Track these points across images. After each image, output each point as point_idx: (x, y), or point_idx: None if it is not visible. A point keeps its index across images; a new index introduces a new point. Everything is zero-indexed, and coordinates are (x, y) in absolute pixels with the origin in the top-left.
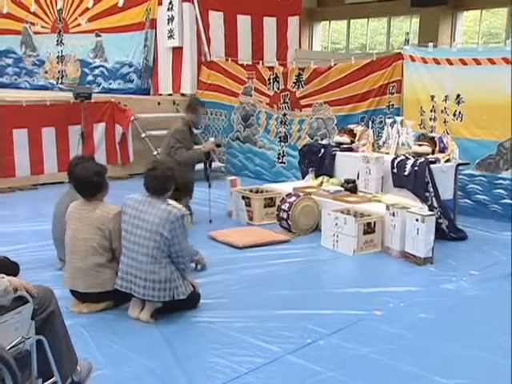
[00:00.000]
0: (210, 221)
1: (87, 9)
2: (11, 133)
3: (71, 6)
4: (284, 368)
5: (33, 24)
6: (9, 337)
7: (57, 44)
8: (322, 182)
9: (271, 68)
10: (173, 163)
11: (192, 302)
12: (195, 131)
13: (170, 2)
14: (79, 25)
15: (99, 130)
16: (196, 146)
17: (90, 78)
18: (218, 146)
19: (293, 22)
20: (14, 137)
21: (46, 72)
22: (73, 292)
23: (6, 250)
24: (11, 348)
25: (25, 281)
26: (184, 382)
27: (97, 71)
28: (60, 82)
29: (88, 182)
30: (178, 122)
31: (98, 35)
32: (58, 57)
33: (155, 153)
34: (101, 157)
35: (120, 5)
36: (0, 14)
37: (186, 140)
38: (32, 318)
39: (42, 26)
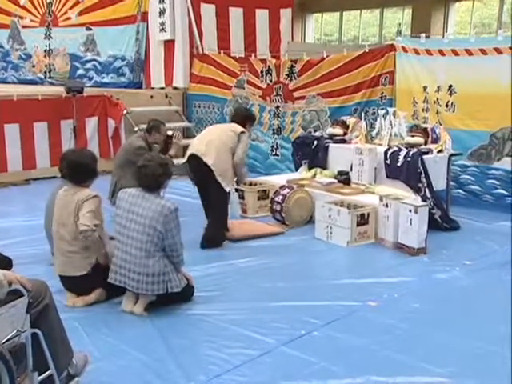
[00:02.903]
0: None
1: (77, 2)
2: (3, 127)
3: None
4: (278, 359)
5: (21, 18)
6: (4, 330)
7: (44, 38)
8: (315, 174)
9: (264, 60)
10: (167, 159)
11: (186, 294)
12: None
13: None
14: (69, 18)
15: (91, 124)
16: None
17: (80, 71)
18: (170, 137)
19: (285, 14)
20: (5, 132)
21: (34, 66)
22: (64, 282)
23: None
24: (6, 341)
25: (19, 274)
26: (178, 375)
27: (89, 65)
28: (48, 76)
29: (84, 166)
30: (138, 139)
31: (88, 29)
32: (45, 50)
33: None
34: (93, 151)
35: None
36: None
37: None
38: (27, 312)
39: (31, 20)
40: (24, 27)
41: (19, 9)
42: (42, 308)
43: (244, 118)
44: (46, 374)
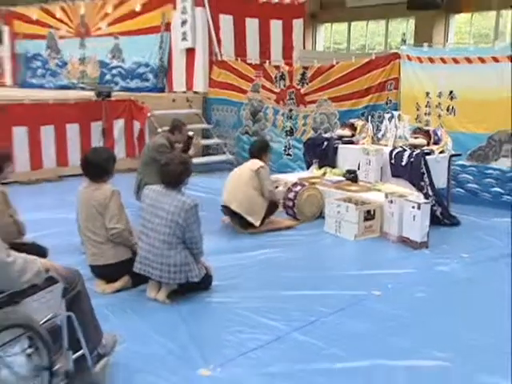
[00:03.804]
0: None
1: (107, 14)
2: (39, 129)
3: (93, 11)
4: (290, 344)
5: (57, 29)
6: (42, 313)
7: (79, 47)
8: (325, 173)
9: (277, 67)
10: (187, 158)
11: (205, 283)
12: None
13: (184, 7)
14: (100, 29)
15: (119, 125)
16: None
17: (107, 77)
18: (191, 138)
19: (297, 24)
20: (41, 133)
21: (69, 72)
22: (94, 271)
23: (34, 236)
24: (45, 322)
25: (55, 262)
26: (196, 355)
27: (114, 71)
28: (81, 81)
29: (97, 165)
30: (161, 138)
31: (116, 38)
32: (80, 59)
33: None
34: (120, 150)
35: (137, 10)
36: (30, 21)
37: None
38: (63, 296)
39: (67, 31)
40: (60, 38)
41: (55, 21)
42: (76, 294)
43: (259, 150)
44: (79, 353)
